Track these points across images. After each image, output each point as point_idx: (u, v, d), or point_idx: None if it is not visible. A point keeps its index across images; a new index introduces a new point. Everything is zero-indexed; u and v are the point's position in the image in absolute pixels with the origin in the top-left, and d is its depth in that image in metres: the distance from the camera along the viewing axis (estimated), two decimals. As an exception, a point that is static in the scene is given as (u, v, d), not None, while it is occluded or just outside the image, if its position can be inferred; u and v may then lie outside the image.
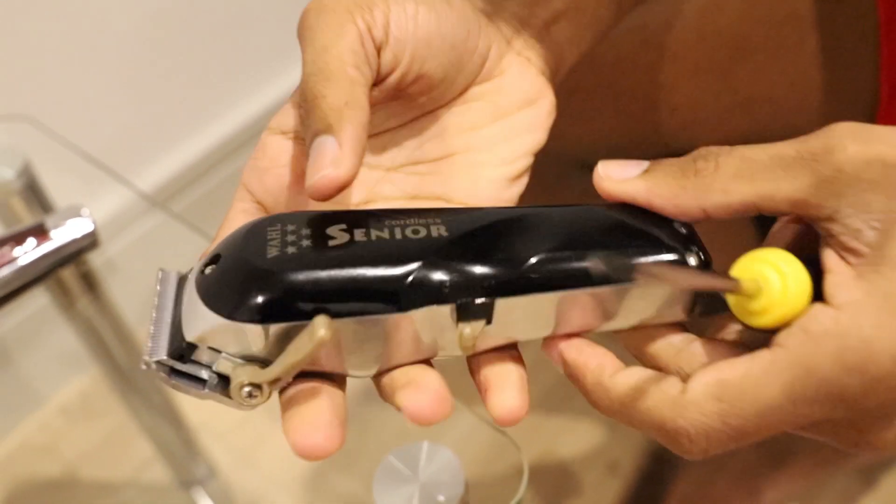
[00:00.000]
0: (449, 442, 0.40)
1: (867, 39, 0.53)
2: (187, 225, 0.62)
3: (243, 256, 0.29)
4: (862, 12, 0.53)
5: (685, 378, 0.30)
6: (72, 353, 0.89)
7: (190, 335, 0.30)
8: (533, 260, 0.31)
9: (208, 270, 0.30)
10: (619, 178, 0.32)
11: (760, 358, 0.29)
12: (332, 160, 0.30)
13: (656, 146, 0.60)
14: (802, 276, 0.30)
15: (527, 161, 0.37)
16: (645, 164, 0.33)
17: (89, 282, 0.63)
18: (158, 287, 0.32)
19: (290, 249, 0.29)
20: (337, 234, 0.30)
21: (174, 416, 0.78)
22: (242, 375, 0.29)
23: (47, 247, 0.49)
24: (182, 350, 0.30)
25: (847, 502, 0.82)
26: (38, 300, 0.64)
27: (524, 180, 0.37)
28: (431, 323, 0.30)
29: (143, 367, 0.30)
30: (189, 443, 0.80)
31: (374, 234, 0.30)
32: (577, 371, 0.32)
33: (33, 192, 0.56)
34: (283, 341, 0.29)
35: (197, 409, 0.85)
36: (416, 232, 0.31)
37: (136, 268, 0.71)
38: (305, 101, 0.32)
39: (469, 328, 0.30)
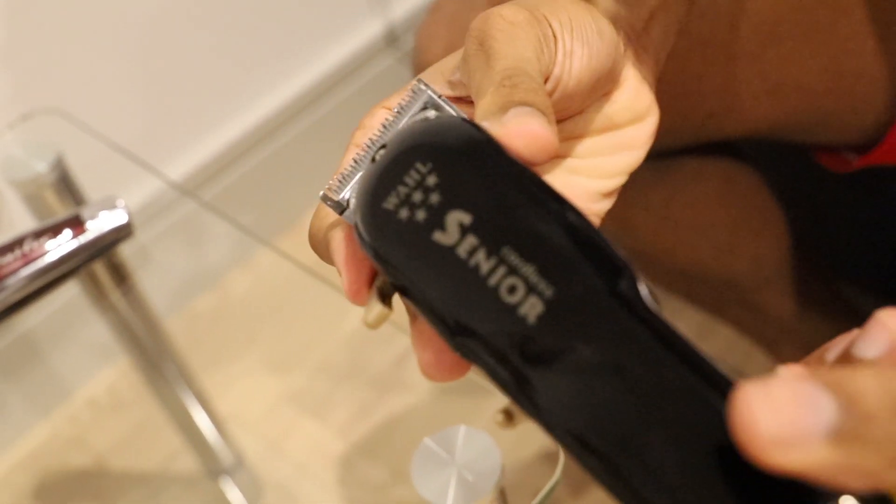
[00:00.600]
0: (482, 422, 0.40)
1: (895, 25, 0.53)
2: (217, 213, 0.63)
3: (375, 185, 0.28)
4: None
5: None
6: (100, 345, 0.90)
7: (351, 197, 0.30)
8: (604, 440, 0.25)
9: (378, 156, 0.29)
10: (796, 443, 0.21)
11: None
12: (540, 123, 0.28)
13: (686, 132, 0.60)
14: None
15: (622, 179, 0.36)
16: (825, 405, 0.21)
17: (120, 272, 0.63)
18: (397, 109, 0.31)
19: (403, 213, 0.27)
20: (450, 229, 0.27)
21: (202, 407, 0.78)
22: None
23: (83, 238, 0.49)
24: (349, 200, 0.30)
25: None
26: (65, 293, 0.65)
27: (613, 199, 0.36)
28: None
29: (320, 195, 0.30)
30: (217, 433, 0.80)
31: (477, 257, 0.26)
32: None
33: (66, 185, 0.57)
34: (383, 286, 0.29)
35: (225, 399, 0.86)
36: (511, 290, 0.26)
37: (166, 256, 0.71)
38: (508, 81, 0.30)
39: (502, 416, 0.28)
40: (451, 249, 0.27)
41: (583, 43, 0.33)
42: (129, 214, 0.51)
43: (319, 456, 0.87)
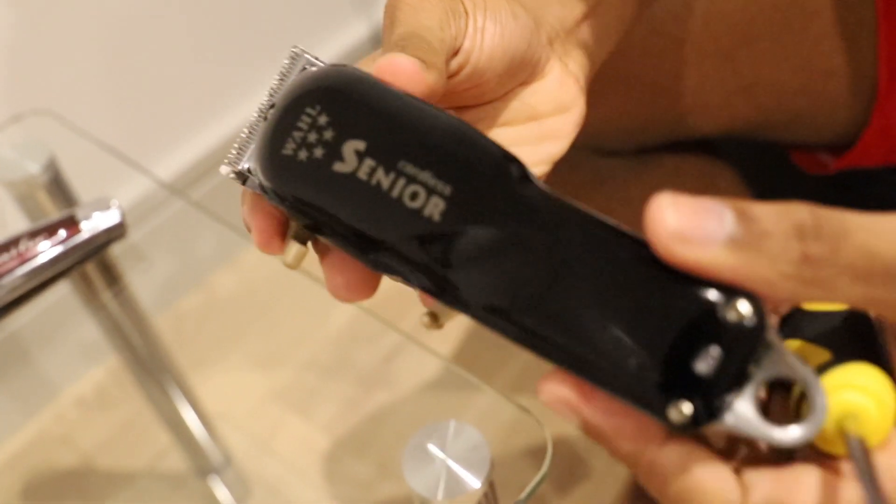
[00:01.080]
0: (469, 418, 0.41)
1: (866, 24, 0.54)
2: (204, 212, 0.63)
3: (271, 137, 0.30)
4: (860, -2, 0.54)
5: (737, 469, 0.27)
6: (87, 344, 0.90)
7: (251, 165, 0.32)
8: (523, 305, 0.27)
9: (270, 114, 0.31)
10: (696, 240, 0.25)
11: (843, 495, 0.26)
12: (409, 59, 0.30)
13: (663, 130, 0.61)
14: (892, 398, 0.27)
15: (545, 168, 0.38)
16: (727, 218, 0.25)
17: (111, 272, 0.64)
18: (279, 76, 0.33)
19: (302, 155, 0.29)
20: (348, 157, 0.29)
21: (190, 405, 0.79)
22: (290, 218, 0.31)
23: (78, 238, 0.50)
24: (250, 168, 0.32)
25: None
26: (52, 292, 0.66)
27: None
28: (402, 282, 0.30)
29: (222, 170, 0.32)
30: (205, 431, 0.81)
31: (377, 176, 0.29)
32: (608, 436, 0.26)
33: (58, 186, 0.57)
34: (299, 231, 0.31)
35: (213, 397, 0.86)
36: (414, 197, 0.28)
37: (156, 255, 0.72)
38: (401, 42, 0.32)
39: (428, 318, 0.30)
40: (352, 175, 0.29)
41: (495, 22, 0.35)
42: (123, 215, 0.51)
43: (307, 453, 0.87)
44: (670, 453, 0.26)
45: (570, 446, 0.89)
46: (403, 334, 0.88)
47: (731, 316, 0.25)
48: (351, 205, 0.29)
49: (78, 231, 0.50)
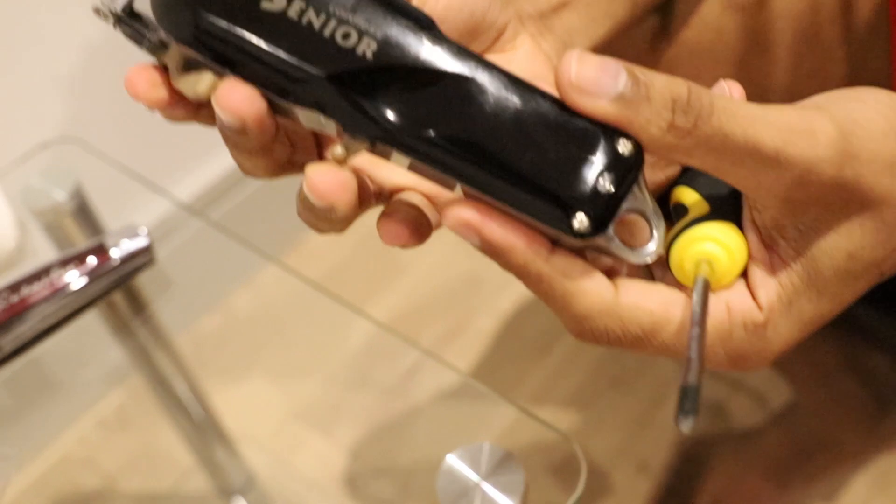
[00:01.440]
0: (493, 436, 0.41)
1: (880, 32, 0.55)
2: (223, 231, 0.64)
3: None
4: (874, 6, 0.55)
5: (610, 276, 0.33)
6: (108, 366, 0.90)
7: (138, 4, 0.32)
8: (443, 134, 0.30)
9: None
10: (591, 92, 0.29)
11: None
12: None
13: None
14: (744, 253, 0.33)
15: None
16: (622, 76, 0.29)
17: (136, 299, 0.64)
18: None
19: None
20: None
21: (213, 426, 0.79)
22: (170, 60, 0.31)
23: (108, 266, 0.50)
24: (133, 8, 0.32)
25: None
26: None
27: None
28: (316, 123, 0.31)
29: (94, 10, 0.32)
30: (228, 452, 0.81)
31: (308, 16, 0.30)
32: (504, 250, 0.31)
33: (84, 213, 0.58)
34: (191, 63, 0.31)
35: (235, 417, 0.86)
36: (346, 37, 0.30)
37: (175, 275, 0.72)
38: None
39: (341, 149, 0.30)
40: (282, 14, 0.30)
41: None
42: (152, 242, 0.52)
43: (329, 473, 0.87)
44: (556, 262, 0.31)
45: (592, 462, 0.88)
46: (422, 350, 0.88)
47: (618, 149, 0.30)
48: (282, 40, 0.29)
49: (108, 259, 0.50)
